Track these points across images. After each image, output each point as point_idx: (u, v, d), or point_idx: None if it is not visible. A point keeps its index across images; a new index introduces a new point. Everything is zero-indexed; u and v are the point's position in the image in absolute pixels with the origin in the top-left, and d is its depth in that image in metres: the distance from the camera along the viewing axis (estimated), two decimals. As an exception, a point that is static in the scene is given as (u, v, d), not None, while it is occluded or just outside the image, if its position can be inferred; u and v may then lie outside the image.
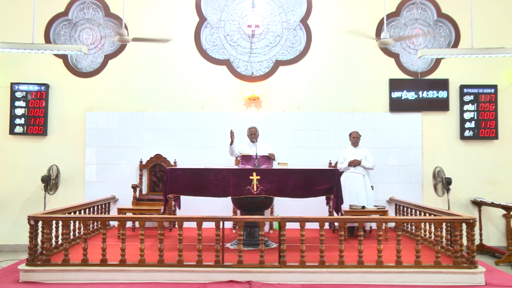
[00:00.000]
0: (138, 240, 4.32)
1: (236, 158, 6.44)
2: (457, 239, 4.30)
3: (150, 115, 7.17)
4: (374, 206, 6.11)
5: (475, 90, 7.11)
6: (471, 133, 7.09)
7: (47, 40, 7.12)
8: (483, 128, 7.07)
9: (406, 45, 7.24)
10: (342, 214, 6.03)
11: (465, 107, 7.11)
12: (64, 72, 7.17)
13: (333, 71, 7.22)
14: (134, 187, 6.77)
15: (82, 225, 4.64)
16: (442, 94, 7.11)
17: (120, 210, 6.08)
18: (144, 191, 7.00)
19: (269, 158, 5.60)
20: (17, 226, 6.94)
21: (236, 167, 6.20)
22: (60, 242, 5.04)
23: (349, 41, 7.16)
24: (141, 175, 6.98)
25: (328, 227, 6.55)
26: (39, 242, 4.52)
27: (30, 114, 7.04)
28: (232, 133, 5.76)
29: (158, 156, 7.03)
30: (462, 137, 7.09)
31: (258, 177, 4.98)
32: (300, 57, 7.23)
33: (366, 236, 5.90)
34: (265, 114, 7.17)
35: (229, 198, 5.42)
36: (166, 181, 5.13)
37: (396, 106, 7.14)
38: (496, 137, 7.07)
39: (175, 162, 7.01)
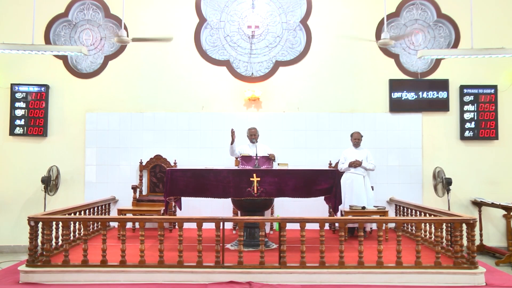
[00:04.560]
0: (138, 241, 4.32)
1: (236, 158, 6.43)
2: (457, 240, 4.30)
3: (150, 115, 7.17)
4: (374, 206, 6.11)
5: (475, 91, 7.11)
6: (471, 133, 7.09)
7: (47, 41, 7.12)
8: (483, 128, 7.07)
9: (406, 46, 7.23)
10: (342, 215, 6.04)
11: (465, 108, 7.11)
12: (64, 73, 7.17)
13: (333, 71, 7.22)
14: (134, 188, 6.77)
15: (82, 226, 4.65)
16: (442, 94, 7.11)
17: (120, 211, 6.08)
18: (144, 192, 7.00)
19: (269, 158, 5.58)
20: (17, 227, 6.94)
21: (236, 167, 6.19)
22: (60, 243, 5.03)
23: (349, 41, 7.17)
24: (141, 176, 6.98)
25: (328, 228, 6.54)
26: (39, 243, 4.52)
27: (30, 115, 7.04)
28: (233, 132, 5.73)
29: (158, 157, 7.03)
30: (462, 138, 7.09)
31: (258, 179, 4.97)
32: (300, 58, 7.23)
33: (366, 236, 5.89)
34: (265, 115, 7.17)
35: (229, 198, 5.42)
36: (166, 182, 5.11)
37: (396, 106, 7.14)
38: (496, 138, 7.07)
39: (175, 163, 7.01)
